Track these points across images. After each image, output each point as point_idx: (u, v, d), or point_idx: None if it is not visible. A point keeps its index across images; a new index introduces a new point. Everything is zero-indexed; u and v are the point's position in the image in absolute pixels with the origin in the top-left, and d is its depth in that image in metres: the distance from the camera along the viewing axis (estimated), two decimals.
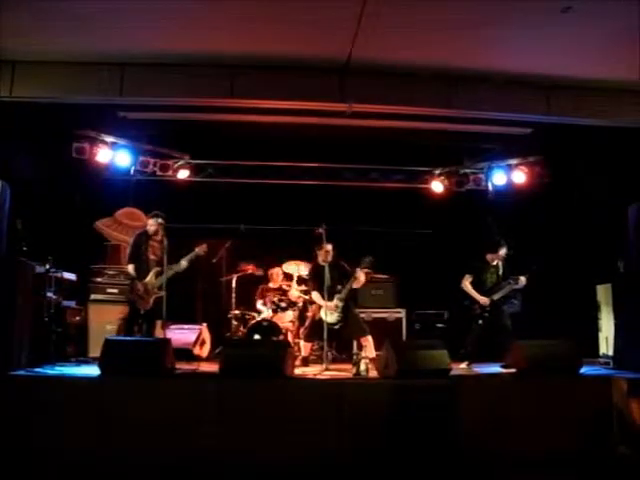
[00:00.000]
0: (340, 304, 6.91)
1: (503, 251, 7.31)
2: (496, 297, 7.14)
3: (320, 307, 6.95)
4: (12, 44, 5.93)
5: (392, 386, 5.47)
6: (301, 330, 7.76)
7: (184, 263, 6.85)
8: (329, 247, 6.99)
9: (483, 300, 7.13)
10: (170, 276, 6.73)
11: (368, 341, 6.90)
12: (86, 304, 7.78)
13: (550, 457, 5.31)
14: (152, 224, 6.90)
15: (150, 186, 8.61)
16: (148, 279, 6.75)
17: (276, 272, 8.34)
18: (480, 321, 7.13)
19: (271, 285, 8.30)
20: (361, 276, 6.92)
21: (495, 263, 7.35)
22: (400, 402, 5.35)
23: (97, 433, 5.07)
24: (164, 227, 6.85)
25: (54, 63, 6.26)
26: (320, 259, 7.04)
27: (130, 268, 6.83)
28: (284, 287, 8.34)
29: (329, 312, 6.84)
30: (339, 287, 6.94)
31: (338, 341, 7.49)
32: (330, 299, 6.86)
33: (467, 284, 7.26)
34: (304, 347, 7.20)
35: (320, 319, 6.86)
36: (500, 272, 7.31)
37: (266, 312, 7.97)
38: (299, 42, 5.98)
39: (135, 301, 6.72)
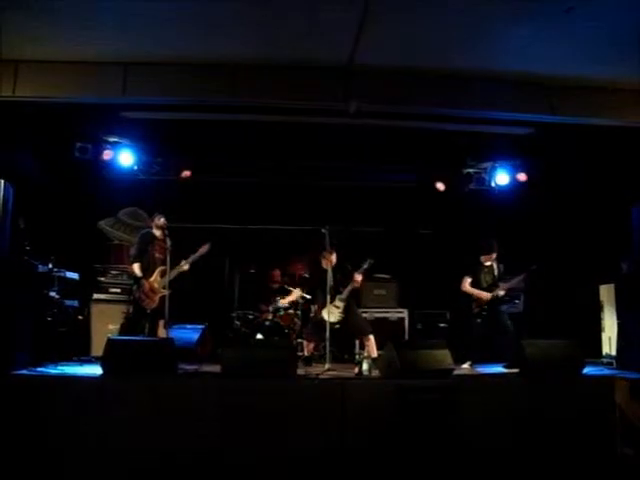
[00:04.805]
0: (342, 304, 6.93)
1: (494, 252, 7.33)
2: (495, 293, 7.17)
3: (322, 307, 6.97)
4: (15, 43, 5.93)
5: (394, 386, 5.46)
6: (303, 330, 7.77)
7: (187, 263, 6.85)
8: (333, 257, 7.00)
9: (486, 295, 7.15)
10: (174, 276, 6.74)
11: (370, 340, 6.91)
12: (89, 303, 7.80)
13: (552, 457, 5.31)
14: (156, 224, 6.91)
15: (153, 186, 8.62)
16: (154, 277, 6.73)
17: (278, 273, 8.35)
18: (479, 319, 7.15)
19: (273, 286, 8.31)
20: (358, 278, 6.95)
21: (489, 264, 7.37)
22: (402, 402, 5.34)
23: (98, 433, 5.07)
24: (166, 225, 6.85)
25: (57, 62, 6.26)
26: (324, 263, 7.06)
27: (135, 267, 6.77)
28: (286, 287, 8.35)
29: (331, 312, 6.85)
30: (341, 289, 6.96)
31: (340, 341, 7.49)
32: (332, 300, 6.87)
33: (467, 285, 7.30)
34: (306, 346, 7.21)
35: (322, 319, 6.88)
36: (495, 272, 7.33)
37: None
38: (301, 42, 5.97)
39: (142, 300, 6.70)
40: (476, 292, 7.22)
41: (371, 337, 6.94)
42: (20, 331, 5.90)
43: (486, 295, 7.15)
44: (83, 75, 6.31)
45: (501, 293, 7.15)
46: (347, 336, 7.23)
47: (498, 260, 7.40)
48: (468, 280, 7.32)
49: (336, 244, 7.07)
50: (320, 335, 6.83)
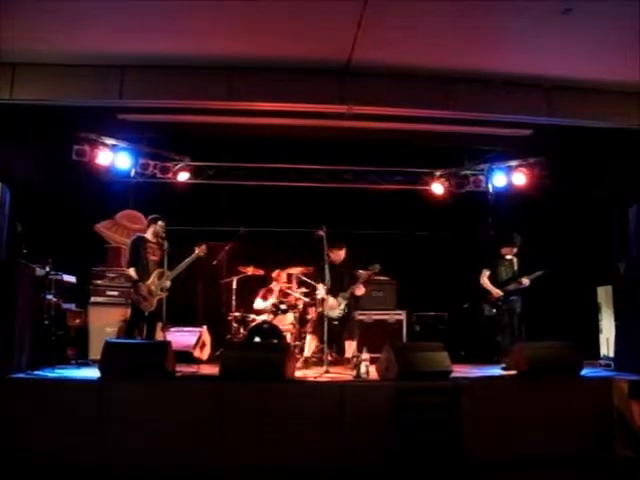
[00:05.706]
0: (343, 302, 7.02)
1: (516, 246, 7.35)
2: (510, 288, 7.20)
3: (323, 302, 7.04)
4: (12, 46, 5.94)
5: (392, 388, 5.46)
6: (307, 325, 7.77)
7: (184, 265, 6.82)
8: (342, 252, 7.17)
9: (496, 292, 7.19)
10: (172, 278, 6.72)
11: (351, 345, 7.02)
12: (86, 306, 7.75)
13: (551, 460, 5.30)
14: (153, 228, 6.88)
15: (150, 188, 8.62)
16: (151, 280, 6.69)
17: (277, 274, 8.34)
18: (494, 310, 7.17)
19: (272, 287, 8.30)
20: (360, 289, 7.13)
21: (510, 258, 7.38)
22: (400, 404, 5.33)
23: (97, 436, 5.06)
24: (164, 230, 6.82)
25: (54, 65, 6.27)
26: (333, 258, 7.14)
27: (131, 271, 6.71)
28: (285, 289, 8.34)
29: (333, 307, 6.97)
30: (347, 285, 7.07)
31: (338, 342, 7.49)
32: (335, 296, 7.01)
33: (485, 279, 7.32)
34: (309, 344, 7.21)
35: (323, 313, 6.93)
36: (515, 267, 7.35)
37: (263, 305, 8.09)
38: (298, 44, 5.98)
39: (139, 303, 6.66)
40: (489, 287, 7.26)
41: (353, 343, 7.04)
42: (18, 334, 5.88)
43: (496, 292, 7.20)
44: (80, 78, 6.32)
45: (525, 282, 7.14)
46: (339, 334, 7.25)
47: (520, 254, 7.41)
48: (486, 273, 7.33)
49: (345, 240, 7.18)
50: (323, 329, 6.91)
